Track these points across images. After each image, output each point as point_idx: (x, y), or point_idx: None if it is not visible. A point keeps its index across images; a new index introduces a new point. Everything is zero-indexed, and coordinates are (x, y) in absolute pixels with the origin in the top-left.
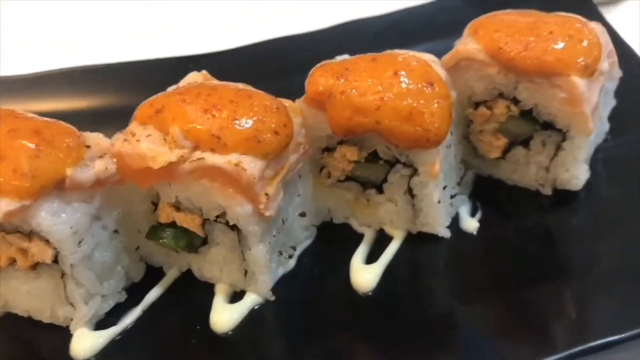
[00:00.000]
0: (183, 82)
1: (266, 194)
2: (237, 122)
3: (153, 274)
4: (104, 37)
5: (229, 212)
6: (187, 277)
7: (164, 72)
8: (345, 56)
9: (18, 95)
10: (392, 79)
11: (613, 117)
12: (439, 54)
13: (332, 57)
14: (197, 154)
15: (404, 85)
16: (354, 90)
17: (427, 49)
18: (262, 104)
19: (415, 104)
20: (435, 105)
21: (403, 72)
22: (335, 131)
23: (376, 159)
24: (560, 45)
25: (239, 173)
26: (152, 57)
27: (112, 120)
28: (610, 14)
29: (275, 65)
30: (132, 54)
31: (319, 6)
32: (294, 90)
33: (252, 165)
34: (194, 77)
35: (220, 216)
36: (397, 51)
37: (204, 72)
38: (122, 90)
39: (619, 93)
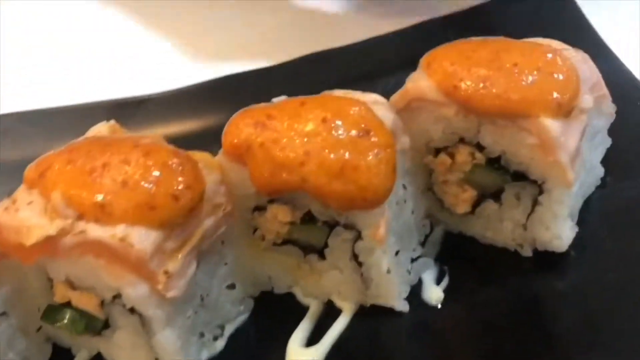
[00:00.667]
0: (86, 135)
1: (165, 272)
2: (125, 186)
3: (62, 355)
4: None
5: (123, 294)
6: None
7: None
8: (282, 98)
9: None
10: (320, 127)
11: (611, 159)
12: None
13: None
14: (81, 226)
15: (334, 134)
16: (274, 142)
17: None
18: (161, 162)
19: (347, 157)
20: (373, 157)
21: (335, 118)
22: (260, 189)
23: (313, 220)
24: (527, 79)
25: (126, 248)
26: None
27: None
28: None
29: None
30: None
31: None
32: None
33: (143, 239)
34: (100, 128)
35: (116, 297)
36: (335, 92)
37: (112, 122)
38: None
39: (616, 130)
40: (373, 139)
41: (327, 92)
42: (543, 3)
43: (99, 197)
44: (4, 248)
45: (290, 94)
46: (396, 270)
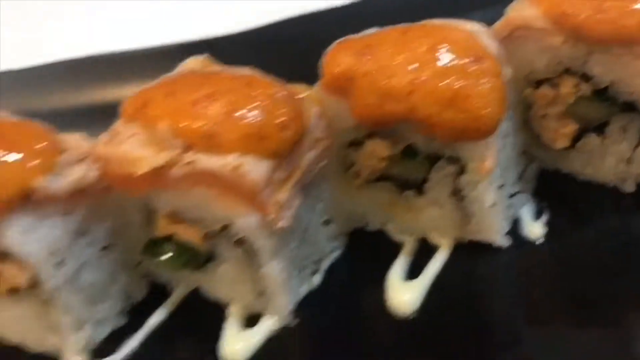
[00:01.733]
0: (182, 68)
1: (276, 202)
2: (234, 116)
3: (158, 292)
4: (102, 24)
5: (233, 225)
6: (197, 296)
7: (167, 61)
8: (373, 29)
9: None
10: (428, 55)
11: None
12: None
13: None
14: (189, 156)
15: (443, 62)
16: (380, 71)
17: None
18: (266, 93)
19: (458, 85)
20: (485, 85)
21: (442, 46)
22: (362, 122)
23: (414, 153)
24: None
25: (239, 178)
26: (153, 45)
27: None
28: None
29: (293, 47)
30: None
31: None
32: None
33: (255, 169)
34: (192, 63)
35: (225, 228)
36: (433, 21)
37: (205, 56)
38: (120, 83)
39: None
40: (484, 66)
41: (426, 22)
42: None
43: (207, 127)
44: (110, 181)
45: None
46: (499, 204)
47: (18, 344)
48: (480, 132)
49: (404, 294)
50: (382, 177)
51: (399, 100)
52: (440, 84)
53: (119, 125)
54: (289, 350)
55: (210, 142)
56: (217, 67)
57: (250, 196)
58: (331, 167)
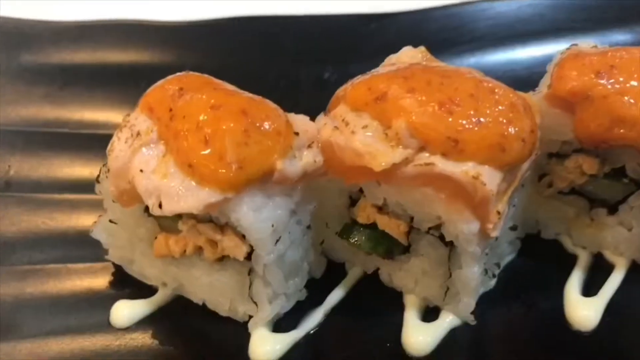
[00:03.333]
0: (398, 58)
1: (498, 212)
2: (480, 123)
3: (332, 270)
4: None
5: (449, 227)
6: (371, 280)
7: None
8: (589, 42)
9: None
10: None
11: None
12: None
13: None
14: (424, 157)
15: None
16: (619, 96)
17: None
18: (510, 102)
19: None
20: None
21: None
22: (583, 140)
23: (620, 176)
24: None
25: (476, 187)
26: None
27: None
28: None
29: (467, 33)
30: None
31: None
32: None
33: (490, 179)
34: (411, 54)
35: (433, 228)
36: None
37: (422, 48)
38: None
39: None
40: None
41: None
42: None
43: (452, 132)
44: (332, 168)
45: None
46: None
47: (203, 304)
48: None
49: (585, 310)
50: (573, 191)
51: (632, 126)
52: None
53: (343, 112)
54: (466, 347)
55: (452, 147)
56: (440, 63)
57: (480, 204)
58: (530, 177)
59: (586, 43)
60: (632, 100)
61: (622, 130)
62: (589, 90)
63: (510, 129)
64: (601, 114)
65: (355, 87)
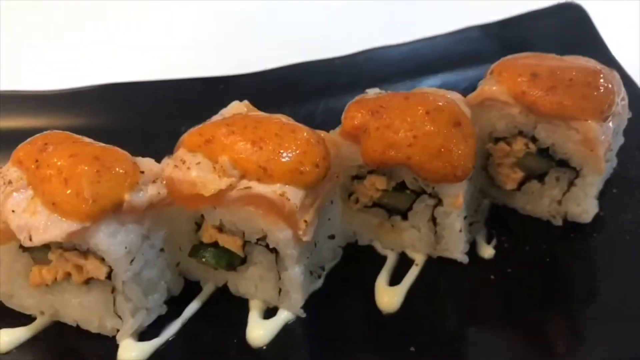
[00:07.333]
0: (227, 111)
1: (305, 221)
2: (282, 154)
3: (190, 288)
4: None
5: (270, 237)
6: (222, 292)
7: (191, 93)
8: (376, 90)
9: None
10: (424, 118)
11: (621, 153)
12: (455, 85)
13: (353, 83)
14: (244, 183)
15: (434, 124)
16: (388, 127)
17: (443, 80)
18: (305, 138)
19: (445, 143)
20: (463, 144)
21: (434, 112)
22: (368, 163)
23: (403, 188)
24: (579, 91)
25: (283, 202)
26: (178, 77)
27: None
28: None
29: (298, 89)
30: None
31: (340, 33)
32: (317, 115)
33: (295, 195)
34: (237, 107)
35: (260, 239)
36: (426, 89)
37: (246, 102)
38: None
39: (626, 131)
40: (462, 129)
41: (420, 89)
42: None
43: (262, 162)
44: (177, 198)
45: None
46: (463, 230)
47: (77, 324)
48: (456, 177)
49: (390, 296)
50: (375, 204)
51: (400, 150)
52: (432, 141)
53: (181, 154)
54: (299, 336)
55: (263, 174)
56: (259, 113)
57: (289, 216)
58: (338, 195)
59: (373, 90)
60: (396, 130)
61: (392, 153)
62: (367, 125)
63: (305, 157)
64: (377, 142)
65: (190, 134)
